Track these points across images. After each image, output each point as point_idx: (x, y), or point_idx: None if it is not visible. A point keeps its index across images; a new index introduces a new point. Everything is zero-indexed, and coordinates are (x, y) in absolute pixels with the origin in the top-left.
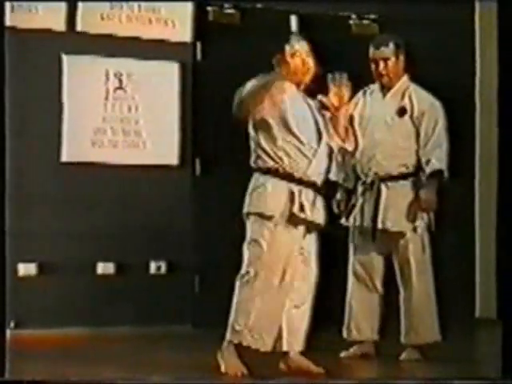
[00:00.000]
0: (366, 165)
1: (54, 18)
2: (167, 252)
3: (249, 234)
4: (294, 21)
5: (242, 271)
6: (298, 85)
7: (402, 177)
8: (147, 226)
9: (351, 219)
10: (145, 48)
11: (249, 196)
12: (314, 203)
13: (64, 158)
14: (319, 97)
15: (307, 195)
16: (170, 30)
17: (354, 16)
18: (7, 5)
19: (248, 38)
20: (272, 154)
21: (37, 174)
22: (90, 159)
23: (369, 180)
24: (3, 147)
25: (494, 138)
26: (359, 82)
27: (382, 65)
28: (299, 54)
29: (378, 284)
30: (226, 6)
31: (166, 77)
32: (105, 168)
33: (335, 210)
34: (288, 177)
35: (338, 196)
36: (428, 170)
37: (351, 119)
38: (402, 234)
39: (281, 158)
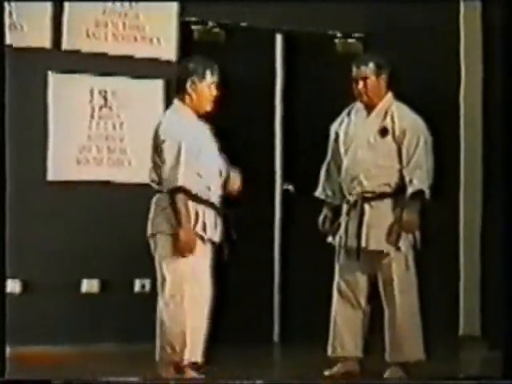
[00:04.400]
0: (349, 184)
1: (39, 36)
2: (152, 270)
3: None
4: (278, 39)
5: None
6: (198, 112)
7: (385, 196)
8: (132, 243)
9: (337, 237)
10: (130, 66)
11: None
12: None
13: (50, 176)
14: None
15: (210, 215)
16: (155, 48)
17: (338, 35)
18: None
19: (233, 57)
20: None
21: (23, 193)
22: (75, 177)
23: (352, 199)
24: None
25: (478, 157)
26: (344, 101)
27: (361, 84)
28: (211, 85)
29: (363, 302)
30: (211, 24)
31: (151, 95)
32: (90, 186)
33: (320, 227)
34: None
35: (324, 213)
36: (409, 190)
37: None
38: (385, 253)
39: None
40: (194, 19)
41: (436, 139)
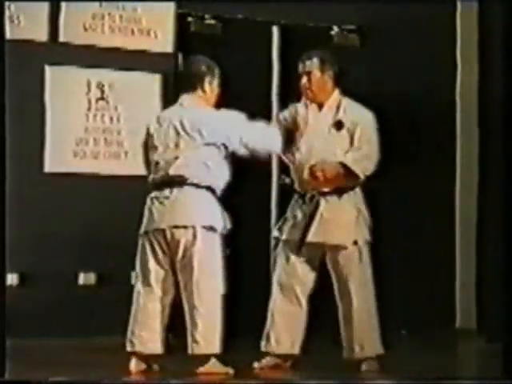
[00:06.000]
0: (303, 176)
1: (36, 29)
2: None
3: None
4: (275, 32)
5: None
6: None
7: (341, 190)
8: (129, 236)
9: (284, 230)
10: (127, 58)
11: None
12: None
13: (47, 168)
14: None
15: None
16: (151, 40)
17: (335, 27)
18: None
19: (230, 49)
20: None
21: (20, 184)
22: (72, 169)
23: (307, 192)
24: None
25: (474, 152)
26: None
27: (305, 78)
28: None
29: (304, 298)
30: (207, 16)
31: (148, 87)
32: (87, 178)
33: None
34: None
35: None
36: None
37: None
38: (337, 248)
39: None
40: (190, 12)
41: (431, 136)
